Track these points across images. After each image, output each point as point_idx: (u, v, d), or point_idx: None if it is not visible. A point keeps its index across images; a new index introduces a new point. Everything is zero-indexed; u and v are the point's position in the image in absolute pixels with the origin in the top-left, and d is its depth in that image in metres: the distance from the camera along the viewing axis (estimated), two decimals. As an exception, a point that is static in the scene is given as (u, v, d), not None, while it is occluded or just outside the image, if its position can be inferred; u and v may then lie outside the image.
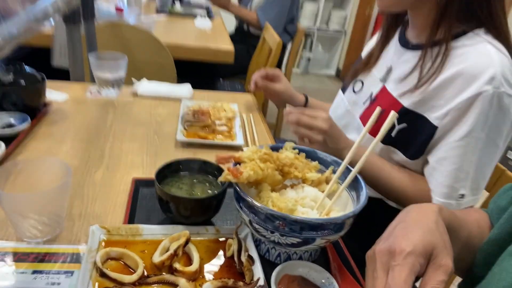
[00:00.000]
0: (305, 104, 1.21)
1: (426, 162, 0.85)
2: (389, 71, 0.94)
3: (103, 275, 0.56)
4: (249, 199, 0.58)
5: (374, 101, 0.94)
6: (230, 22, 2.79)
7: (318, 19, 4.32)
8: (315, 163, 0.72)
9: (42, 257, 0.61)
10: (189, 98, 1.27)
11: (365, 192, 0.63)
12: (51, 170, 0.67)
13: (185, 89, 1.30)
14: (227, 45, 1.97)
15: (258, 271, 0.61)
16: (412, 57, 0.88)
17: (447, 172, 0.79)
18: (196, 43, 1.95)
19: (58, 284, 0.57)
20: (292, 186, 0.70)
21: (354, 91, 1.03)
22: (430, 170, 0.83)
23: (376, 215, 0.92)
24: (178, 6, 2.55)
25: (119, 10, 1.82)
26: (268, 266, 0.62)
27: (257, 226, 0.60)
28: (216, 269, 0.62)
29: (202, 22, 2.28)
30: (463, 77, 0.76)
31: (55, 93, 1.17)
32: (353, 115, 1.01)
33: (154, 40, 1.78)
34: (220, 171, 0.73)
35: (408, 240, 0.46)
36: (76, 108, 1.12)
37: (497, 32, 0.80)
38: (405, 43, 0.92)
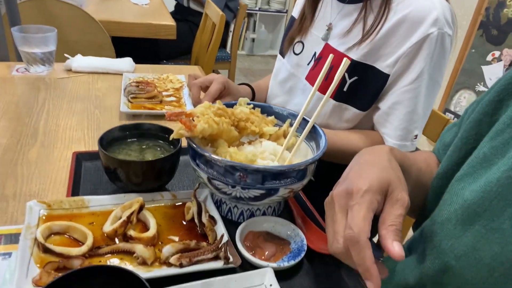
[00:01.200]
0: (253, 94, 1.10)
1: (376, 109, 0.86)
2: (330, 28, 0.93)
3: (46, 250, 0.50)
4: (207, 153, 0.54)
5: (319, 60, 0.93)
6: (168, 1, 2.67)
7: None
8: (272, 118, 0.69)
9: (-29, 242, 0.53)
10: (131, 71, 1.19)
11: (324, 139, 0.62)
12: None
13: (126, 62, 1.21)
14: (168, 21, 1.88)
15: (221, 230, 0.57)
16: (353, 9, 0.87)
17: (402, 115, 0.80)
18: (134, 20, 1.84)
19: (-7, 268, 0.50)
20: (249, 143, 0.67)
21: (295, 53, 1.00)
22: (384, 116, 0.84)
23: (332, 169, 0.93)
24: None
25: (43, -15, 1.65)
26: (231, 227, 0.59)
27: (216, 183, 0.56)
28: (176, 234, 0.58)
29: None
30: (408, 22, 0.77)
31: (-26, 73, 1.04)
32: (297, 77, 0.98)
33: (87, 16, 1.65)
34: (171, 133, 0.68)
35: (363, 179, 0.45)
36: (1, 87, 1.00)
37: None
38: None
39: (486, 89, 0.56)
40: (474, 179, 0.49)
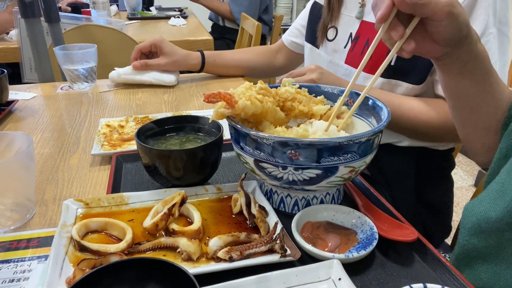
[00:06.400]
0: (202, 61, 1.15)
1: (437, 82, 0.76)
2: (363, 5, 0.86)
3: (82, 249, 0.45)
4: (252, 132, 0.47)
5: (357, 40, 0.85)
6: (205, 23, 2.72)
7: (294, 13, 4.28)
8: (321, 97, 0.62)
9: (9, 245, 0.50)
10: (174, 83, 1.16)
11: (386, 111, 0.53)
12: (11, 146, 0.56)
13: (170, 74, 1.18)
14: (205, 36, 1.88)
15: (274, 220, 0.50)
16: None
17: None
18: (173, 38, 1.86)
19: (29, 271, 0.46)
20: (298, 126, 0.59)
21: (328, 39, 0.93)
22: None
23: (388, 160, 0.85)
24: (152, 10, 2.46)
25: (86, 13, 1.72)
26: (285, 219, 0.52)
27: (265, 166, 0.49)
28: (223, 228, 0.51)
29: (176, 21, 2.19)
30: None
31: (22, 94, 1.06)
32: (336, 64, 0.91)
33: (128, 39, 1.68)
34: (213, 125, 0.62)
35: None
36: (45, 103, 1.01)
37: None
38: None
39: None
40: None
